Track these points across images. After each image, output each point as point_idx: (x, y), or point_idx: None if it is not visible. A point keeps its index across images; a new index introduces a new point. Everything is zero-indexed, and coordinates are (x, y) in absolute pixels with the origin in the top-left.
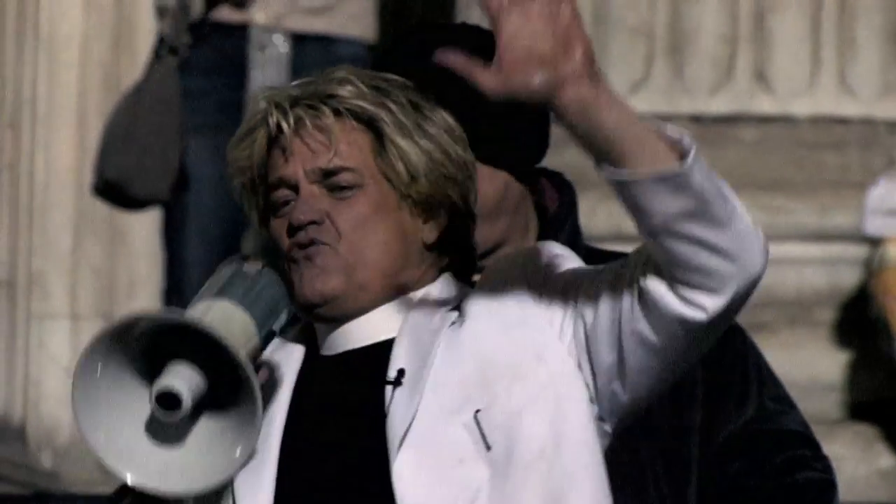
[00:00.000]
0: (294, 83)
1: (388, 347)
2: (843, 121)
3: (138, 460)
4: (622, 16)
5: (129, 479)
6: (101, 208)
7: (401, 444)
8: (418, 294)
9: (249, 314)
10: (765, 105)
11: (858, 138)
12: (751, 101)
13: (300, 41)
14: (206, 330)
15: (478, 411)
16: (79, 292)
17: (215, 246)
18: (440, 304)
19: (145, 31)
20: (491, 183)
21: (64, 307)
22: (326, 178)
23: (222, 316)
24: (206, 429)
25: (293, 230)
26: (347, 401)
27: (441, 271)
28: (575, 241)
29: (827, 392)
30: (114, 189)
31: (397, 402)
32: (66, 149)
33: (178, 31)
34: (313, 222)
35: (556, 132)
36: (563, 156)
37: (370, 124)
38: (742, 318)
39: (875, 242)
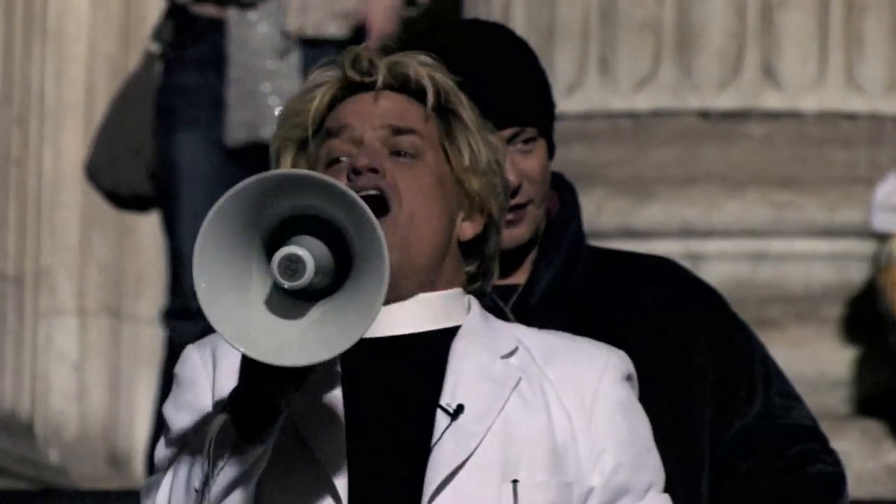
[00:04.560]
0: (380, 46)
1: (432, 342)
2: (850, 116)
3: (255, 335)
4: (630, 12)
5: (246, 352)
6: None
7: (439, 488)
8: (457, 298)
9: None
10: (772, 101)
11: (866, 134)
12: (758, 97)
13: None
14: (327, 182)
15: (516, 481)
16: (86, 288)
17: None
18: (492, 336)
19: (152, 26)
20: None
21: (71, 303)
22: (394, 135)
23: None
24: (324, 307)
25: (353, 176)
26: (394, 407)
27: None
28: (578, 245)
29: (834, 388)
30: (93, 185)
31: (448, 440)
32: (73, 144)
33: (161, 25)
34: (374, 170)
35: (561, 129)
36: (568, 152)
37: (444, 113)
38: (749, 314)
39: (882, 238)
